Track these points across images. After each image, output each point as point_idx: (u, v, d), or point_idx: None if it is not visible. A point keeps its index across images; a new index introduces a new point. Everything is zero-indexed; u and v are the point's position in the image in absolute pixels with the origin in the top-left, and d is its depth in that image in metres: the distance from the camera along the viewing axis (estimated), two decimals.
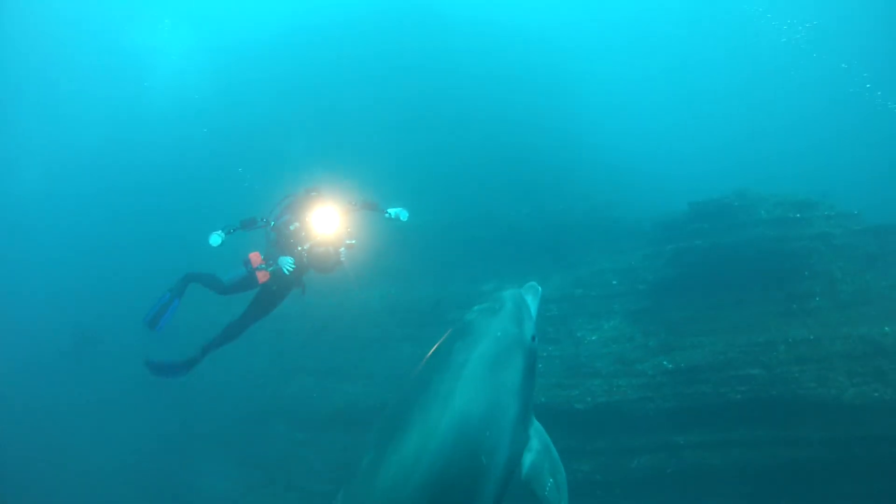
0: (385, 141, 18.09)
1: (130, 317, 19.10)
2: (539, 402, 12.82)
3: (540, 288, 4.95)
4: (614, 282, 14.85)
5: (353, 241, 8.30)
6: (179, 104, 23.64)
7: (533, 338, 4.41)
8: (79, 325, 19.18)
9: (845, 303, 12.74)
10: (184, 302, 8.12)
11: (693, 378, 12.77)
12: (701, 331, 13.42)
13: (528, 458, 4.09)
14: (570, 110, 20.39)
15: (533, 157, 17.59)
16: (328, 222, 8.06)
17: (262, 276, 8.28)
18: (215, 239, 8.18)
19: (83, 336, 19.06)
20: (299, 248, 8.12)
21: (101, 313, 19.45)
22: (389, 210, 8.46)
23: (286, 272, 8.05)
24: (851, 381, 11.58)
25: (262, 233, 8.69)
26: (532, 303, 4.77)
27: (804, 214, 13.60)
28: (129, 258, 20.31)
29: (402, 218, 8.46)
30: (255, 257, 8.40)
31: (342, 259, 8.25)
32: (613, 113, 23.22)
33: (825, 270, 13.04)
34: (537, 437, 4.21)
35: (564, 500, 4.02)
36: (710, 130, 28.20)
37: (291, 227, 8.22)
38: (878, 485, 11.00)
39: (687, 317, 13.79)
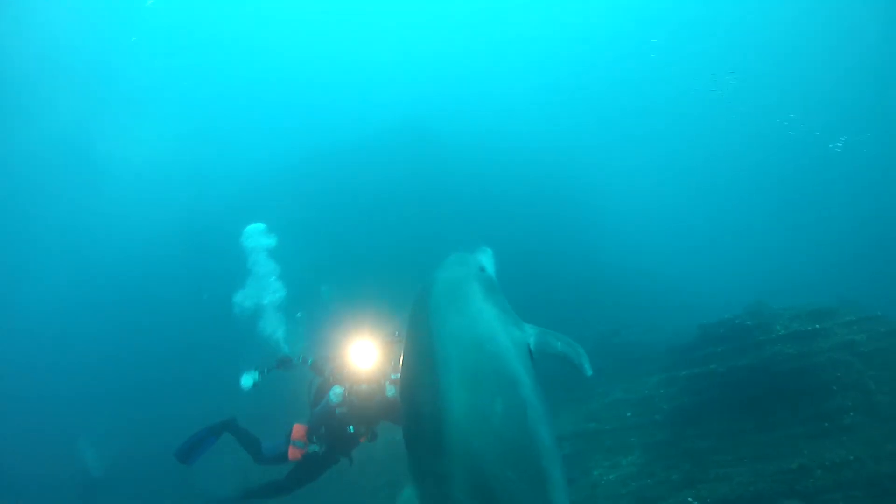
0: (387, 266, 17.68)
1: (143, 460, 18.34)
2: None
3: (489, 250, 5.57)
4: (629, 413, 13.72)
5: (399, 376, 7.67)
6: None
7: (481, 269, 5.14)
8: (87, 469, 18.32)
9: (885, 415, 11.44)
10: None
11: None
12: (726, 461, 12.12)
13: (531, 343, 4.59)
14: (571, 230, 20.09)
15: (534, 281, 17.00)
16: (366, 357, 7.35)
17: (292, 453, 7.64)
18: (247, 380, 7.68)
19: (92, 480, 18.11)
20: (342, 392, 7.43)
21: (111, 454, 18.56)
22: None
23: (333, 402, 7.39)
24: None
25: (303, 373, 8.12)
26: (485, 260, 5.40)
27: (824, 325, 12.62)
28: (142, 398, 19.67)
29: None
30: (298, 430, 7.75)
31: (390, 396, 7.42)
32: (612, 232, 22.92)
33: (856, 382, 11.85)
34: (532, 329, 4.73)
35: (579, 347, 4.48)
36: (702, 236, 28.06)
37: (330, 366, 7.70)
38: None
39: (709, 446, 12.52)
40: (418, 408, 4.35)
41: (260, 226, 8.18)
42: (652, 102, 36.28)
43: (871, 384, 11.78)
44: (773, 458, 11.75)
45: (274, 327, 8.29)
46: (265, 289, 8.35)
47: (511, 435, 4.00)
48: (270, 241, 8.02)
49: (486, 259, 5.38)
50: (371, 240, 19.12)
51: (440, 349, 4.32)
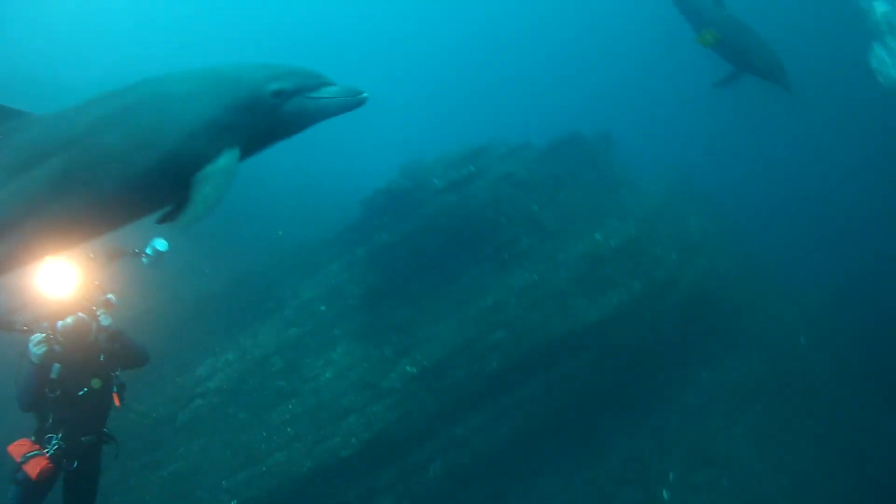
0: None
1: None
2: (306, 466, 10.92)
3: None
4: (323, 308, 13.24)
5: (112, 296, 5.67)
6: None
7: (275, 93, 3.88)
8: None
9: (552, 231, 12.63)
10: None
11: (442, 369, 11.82)
12: (429, 321, 12.45)
13: (205, 169, 3.74)
14: None
15: None
16: (60, 281, 5.31)
17: (34, 469, 5.27)
18: None
19: None
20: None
21: None
22: (146, 250, 5.90)
23: (36, 357, 5.29)
24: (589, 300, 11.56)
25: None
26: (333, 91, 4.05)
27: (478, 164, 13.22)
28: None
29: (160, 248, 5.89)
30: (20, 446, 5.43)
31: (107, 325, 5.56)
32: None
33: (520, 210, 12.80)
34: (226, 159, 3.80)
35: (207, 208, 3.58)
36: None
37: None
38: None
39: (409, 313, 12.68)
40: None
41: None
42: None
43: (534, 206, 12.81)
44: (469, 302, 12.35)
45: None
46: None
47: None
48: None
49: (330, 93, 4.03)
50: None
51: (156, 80, 3.89)
